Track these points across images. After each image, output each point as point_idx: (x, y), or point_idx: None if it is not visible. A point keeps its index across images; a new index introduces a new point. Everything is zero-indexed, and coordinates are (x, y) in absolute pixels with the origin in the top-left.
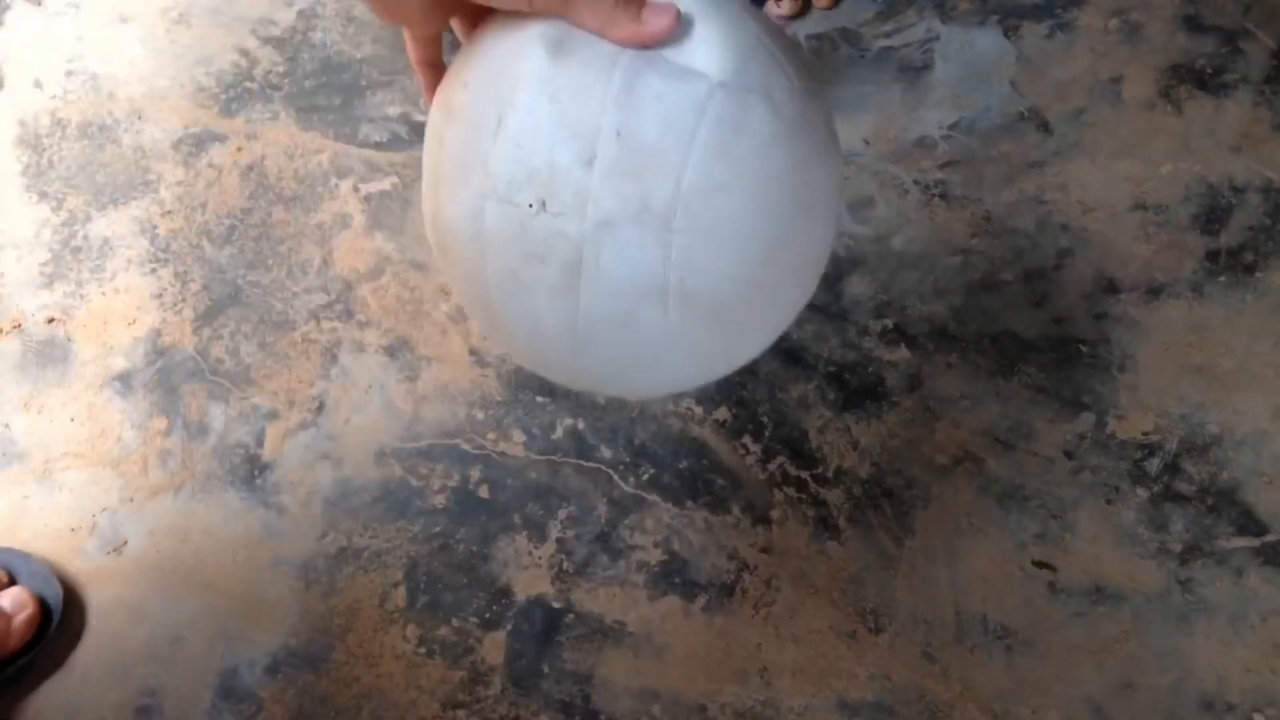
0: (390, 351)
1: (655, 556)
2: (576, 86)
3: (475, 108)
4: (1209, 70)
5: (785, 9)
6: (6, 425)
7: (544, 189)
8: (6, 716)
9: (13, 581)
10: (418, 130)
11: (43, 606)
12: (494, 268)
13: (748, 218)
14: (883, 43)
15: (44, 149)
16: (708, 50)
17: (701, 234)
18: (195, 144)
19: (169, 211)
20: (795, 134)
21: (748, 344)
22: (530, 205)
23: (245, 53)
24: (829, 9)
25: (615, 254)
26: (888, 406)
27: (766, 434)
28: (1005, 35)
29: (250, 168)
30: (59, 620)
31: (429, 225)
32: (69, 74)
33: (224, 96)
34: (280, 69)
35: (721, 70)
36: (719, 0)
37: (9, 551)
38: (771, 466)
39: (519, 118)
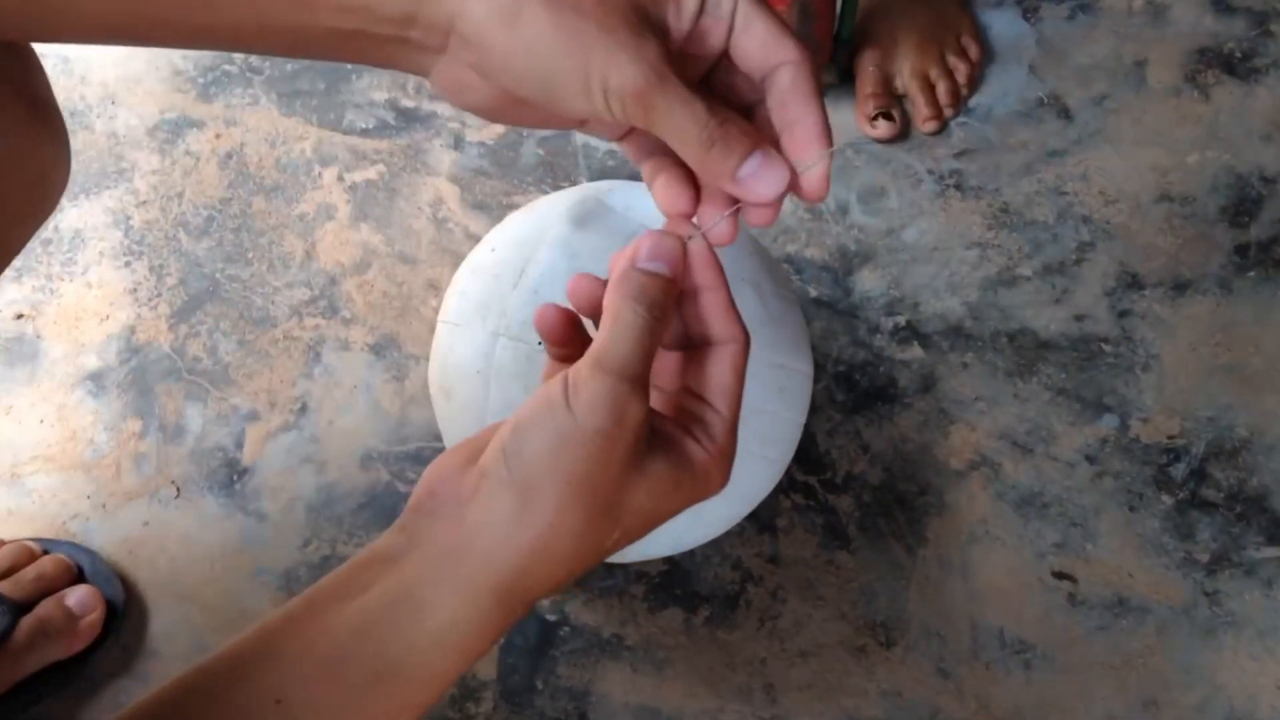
0: (376, 350)
1: (655, 566)
2: (593, 250)
3: (500, 264)
4: (1238, 54)
5: (882, 131)
6: None
7: None
8: None
9: (82, 575)
10: (405, 116)
11: (108, 611)
12: (496, 399)
13: None
14: None
15: None
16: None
17: None
18: (172, 130)
19: (144, 202)
20: (775, 324)
21: (717, 505)
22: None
23: None
24: (936, 133)
25: None
26: (900, 408)
27: None
28: (1024, 17)
29: (229, 155)
30: (123, 624)
31: (435, 375)
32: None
33: (202, 80)
34: None
35: (719, 256)
36: None
37: (77, 547)
38: None
39: (539, 269)
